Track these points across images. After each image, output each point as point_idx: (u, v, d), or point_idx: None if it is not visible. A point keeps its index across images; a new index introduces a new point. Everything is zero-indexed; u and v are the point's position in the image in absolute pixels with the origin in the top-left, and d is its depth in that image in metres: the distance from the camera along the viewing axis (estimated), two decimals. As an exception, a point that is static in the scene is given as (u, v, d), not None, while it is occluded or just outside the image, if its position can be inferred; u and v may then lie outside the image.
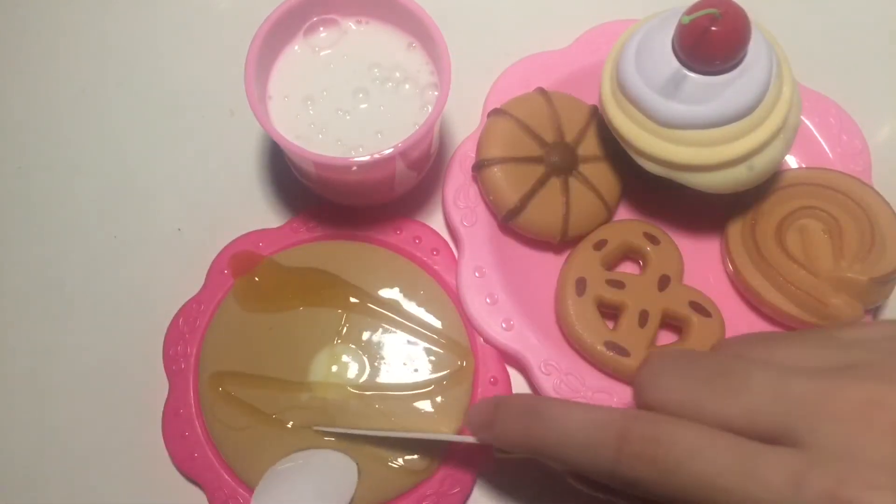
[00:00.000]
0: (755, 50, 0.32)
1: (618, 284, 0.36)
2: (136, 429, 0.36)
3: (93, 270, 0.39)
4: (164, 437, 0.35)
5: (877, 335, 0.26)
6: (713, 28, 0.30)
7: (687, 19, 0.30)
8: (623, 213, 0.39)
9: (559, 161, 0.37)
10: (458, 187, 0.38)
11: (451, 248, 0.38)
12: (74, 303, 0.39)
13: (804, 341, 0.27)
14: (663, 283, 0.36)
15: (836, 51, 0.44)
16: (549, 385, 0.35)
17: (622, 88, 0.34)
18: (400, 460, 0.34)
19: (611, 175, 0.38)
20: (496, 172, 0.37)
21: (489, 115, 0.38)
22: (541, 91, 0.39)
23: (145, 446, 0.36)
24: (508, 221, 0.37)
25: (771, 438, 0.23)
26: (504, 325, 0.36)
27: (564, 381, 0.35)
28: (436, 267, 0.38)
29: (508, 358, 0.37)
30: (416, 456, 0.34)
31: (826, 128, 0.40)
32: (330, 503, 0.33)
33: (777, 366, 0.24)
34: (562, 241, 0.37)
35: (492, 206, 0.37)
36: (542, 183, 0.37)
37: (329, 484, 0.33)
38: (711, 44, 0.31)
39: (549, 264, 0.38)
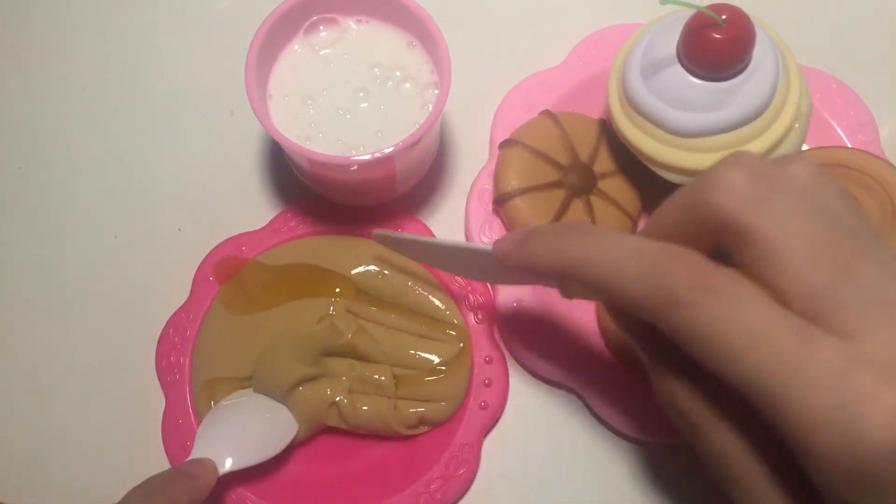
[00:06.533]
0: (760, 49, 0.32)
1: None
2: (136, 429, 0.36)
3: (93, 271, 0.39)
4: (166, 449, 0.35)
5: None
6: (717, 36, 0.30)
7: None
8: (645, 222, 0.39)
9: (578, 182, 0.37)
10: (482, 222, 0.38)
11: (434, 235, 0.38)
12: (74, 303, 0.38)
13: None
14: None
15: (832, 26, 0.44)
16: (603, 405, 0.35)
17: (632, 104, 0.33)
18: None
19: (629, 187, 0.38)
20: (519, 204, 0.36)
21: (500, 146, 0.38)
22: (547, 114, 0.38)
23: (146, 446, 0.36)
24: None
25: None
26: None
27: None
28: None
29: (556, 385, 0.37)
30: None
31: (830, 104, 0.40)
32: (271, 442, 0.33)
33: None
34: None
35: None
36: (565, 207, 0.36)
37: (271, 425, 0.33)
38: (718, 52, 0.30)
39: None
